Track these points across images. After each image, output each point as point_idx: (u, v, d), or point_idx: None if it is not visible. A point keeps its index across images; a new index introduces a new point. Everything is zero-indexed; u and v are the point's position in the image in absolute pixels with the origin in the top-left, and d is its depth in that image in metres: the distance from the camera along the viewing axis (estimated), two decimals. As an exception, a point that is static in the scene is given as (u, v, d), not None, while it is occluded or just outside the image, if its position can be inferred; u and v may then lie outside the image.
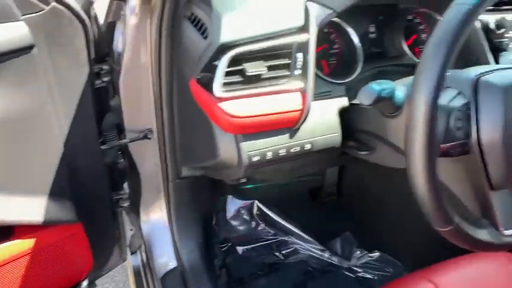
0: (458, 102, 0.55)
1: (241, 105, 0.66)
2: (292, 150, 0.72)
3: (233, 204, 1.22)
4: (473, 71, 0.57)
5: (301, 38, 0.68)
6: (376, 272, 1.18)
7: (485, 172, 0.56)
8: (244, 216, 1.23)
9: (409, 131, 0.51)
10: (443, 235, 0.56)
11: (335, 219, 1.29)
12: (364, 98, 0.60)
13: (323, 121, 0.74)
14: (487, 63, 0.85)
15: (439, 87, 0.49)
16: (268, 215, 1.24)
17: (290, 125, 0.71)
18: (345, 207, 1.35)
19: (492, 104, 0.53)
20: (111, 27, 0.97)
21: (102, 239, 1.01)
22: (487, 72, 0.56)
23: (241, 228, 1.24)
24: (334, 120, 0.75)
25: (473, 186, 0.59)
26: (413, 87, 0.51)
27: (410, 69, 0.84)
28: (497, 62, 0.86)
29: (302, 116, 0.70)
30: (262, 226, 1.24)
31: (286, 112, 0.68)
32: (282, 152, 0.72)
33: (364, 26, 0.87)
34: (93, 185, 0.89)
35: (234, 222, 1.23)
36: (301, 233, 1.24)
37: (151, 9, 0.77)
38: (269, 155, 0.71)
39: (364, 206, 1.28)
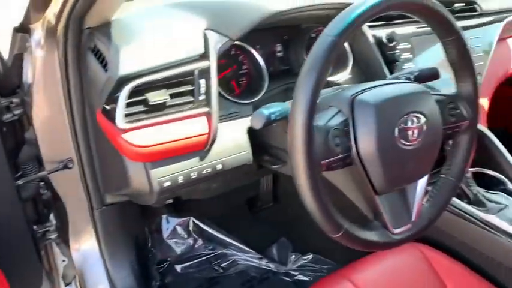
0: (338, 119, 0.60)
1: (146, 135, 0.68)
2: (204, 172, 0.75)
3: (169, 223, 1.24)
4: (351, 91, 0.63)
5: (202, 65, 0.71)
6: (312, 273, 1.23)
7: (368, 180, 0.62)
8: (181, 234, 1.25)
9: (290, 151, 0.55)
10: (337, 240, 0.61)
11: (272, 226, 1.34)
12: (254, 122, 0.65)
13: (232, 141, 0.78)
14: (384, 74, 0.93)
15: (312, 111, 0.54)
16: (205, 229, 1.26)
17: (199, 149, 0.74)
18: (280, 213, 1.40)
19: (366, 120, 0.59)
20: (18, 59, 0.95)
21: (27, 277, 0.99)
22: (362, 91, 0.62)
23: (179, 246, 1.25)
24: (243, 139, 0.79)
25: (362, 193, 0.65)
26: (291, 111, 0.55)
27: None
28: (392, 72, 0.94)
29: (210, 139, 0.73)
30: (200, 242, 1.26)
31: (193, 137, 0.71)
32: (194, 175, 0.74)
33: (271, 45, 0.93)
34: (9, 225, 0.86)
35: (171, 242, 1.24)
36: (239, 244, 1.28)
37: (57, 40, 0.78)
38: (180, 179, 0.73)
39: (295, 210, 1.34)
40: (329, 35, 0.55)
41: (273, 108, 0.64)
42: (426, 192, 0.70)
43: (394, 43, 0.95)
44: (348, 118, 0.60)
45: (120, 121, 0.66)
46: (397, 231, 0.66)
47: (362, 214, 0.68)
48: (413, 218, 0.68)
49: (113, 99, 0.67)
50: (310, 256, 1.25)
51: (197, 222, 1.25)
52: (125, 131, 0.67)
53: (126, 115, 0.67)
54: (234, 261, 1.26)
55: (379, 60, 0.93)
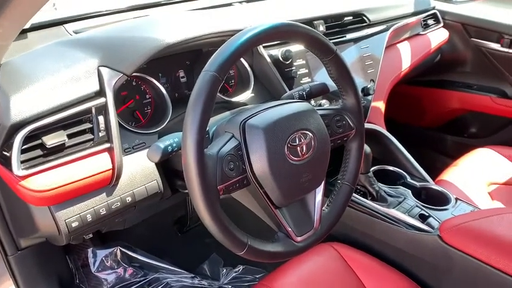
0: (232, 144, 0.64)
1: (46, 178, 0.67)
2: (113, 207, 0.76)
3: (95, 256, 1.21)
4: (242, 116, 0.67)
5: (98, 102, 0.72)
6: (245, 284, 1.27)
7: (266, 196, 0.67)
8: (110, 265, 1.22)
9: (187, 181, 0.59)
10: (243, 257, 0.65)
11: (202, 244, 1.36)
12: (151, 156, 0.67)
13: (140, 172, 0.79)
14: (284, 90, 1.00)
15: (200, 143, 0.57)
16: (134, 257, 1.25)
17: (104, 185, 0.74)
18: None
19: (256, 143, 0.64)
20: None
21: None
22: (251, 116, 0.67)
23: (109, 277, 1.22)
24: (151, 168, 0.80)
25: (263, 208, 0.69)
26: (182, 144, 0.59)
27: (220, 104, 0.95)
28: (290, 87, 1.01)
29: (114, 174, 0.74)
30: (130, 270, 1.24)
31: (97, 174, 0.72)
32: (103, 211, 0.75)
33: (174, 72, 0.95)
34: None
35: (100, 274, 1.21)
36: (170, 266, 1.28)
37: None
38: (89, 217, 0.73)
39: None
40: (209, 70, 0.59)
41: (169, 140, 0.67)
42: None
43: (289, 60, 1.02)
44: (240, 142, 0.65)
45: (17, 168, 0.65)
46: (299, 239, 0.71)
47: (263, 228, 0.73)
48: (314, 225, 0.74)
49: (7, 146, 0.66)
50: (240, 268, 1.29)
51: (125, 250, 1.23)
52: (23, 177, 0.65)
53: (23, 161, 0.65)
54: (167, 284, 1.26)
55: (277, 77, 1.00)
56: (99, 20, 1.03)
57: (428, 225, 0.96)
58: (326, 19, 1.17)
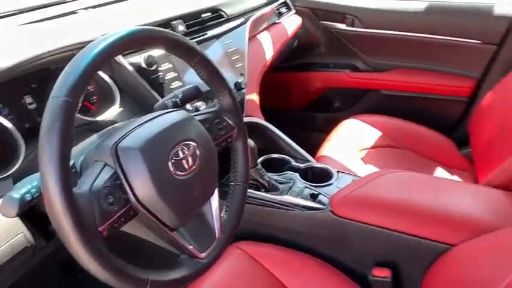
0: (106, 175, 0.56)
1: None
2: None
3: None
4: (112, 139, 0.59)
5: None
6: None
7: (159, 221, 0.61)
8: None
9: (58, 231, 0.49)
10: None
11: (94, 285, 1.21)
12: (6, 212, 0.55)
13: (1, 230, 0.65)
14: (155, 99, 0.93)
15: (65, 182, 0.48)
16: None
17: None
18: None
19: (135, 166, 0.57)
20: None
21: None
22: (122, 137, 0.59)
23: None
24: (13, 222, 0.66)
25: (159, 234, 0.63)
26: (41, 187, 0.49)
27: (83, 127, 0.83)
28: (161, 94, 0.95)
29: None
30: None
31: None
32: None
33: (17, 99, 0.80)
34: None
35: None
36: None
37: None
38: None
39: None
40: (58, 96, 0.49)
41: (26, 187, 0.55)
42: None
43: (154, 66, 0.95)
44: (116, 170, 0.57)
45: None
46: (204, 254, 0.67)
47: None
48: (217, 234, 0.71)
49: None
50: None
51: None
52: None
53: None
54: None
55: (144, 86, 0.92)
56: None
57: (320, 202, 1.01)
58: (184, 18, 1.13)
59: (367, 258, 0.95)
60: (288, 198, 1.03)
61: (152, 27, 0.64)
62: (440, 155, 1.48)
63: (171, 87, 0.98)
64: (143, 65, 0.93)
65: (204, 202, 0.69)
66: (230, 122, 0.77)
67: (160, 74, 0.96)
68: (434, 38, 1.62)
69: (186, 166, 0.63)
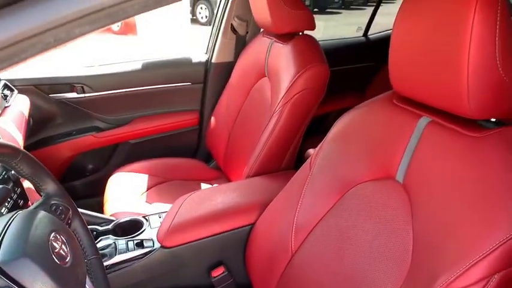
0: None
1: None
2: None
3: None
4: None
5: None
6: None
7: None
8: None
9: None
10: None
11: None
12: None
13: None
14: None
15: None
16: None
17: None
18: None
19: (30, 272, 0.57)
20: None
21: None
22: None
23: None
24: None
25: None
26: None
27: None
28: None
29: None
30: None
31: None
32: None
33: None
34: None
35: None
36: None
37: None
38: None
39: None
40: None
41: None
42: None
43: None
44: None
45: None
46: None
47: None
48: None
49: None
50: None
51: None
52: None
53: None
54: None
55: None
56: None
57: (148, 247, 1.13)
58: None
59: (203, 268, 1.16)
60: (119, 257, 1.09)
61: None
62: (198, 175, 1.85)
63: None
64: None
65: (85, 281, 0.72)
66: (64, 205, 0.81)
67: None
68: (156, 87, 1.96)
69: (64, 254, 0.66)
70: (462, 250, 0.67)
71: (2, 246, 0.59)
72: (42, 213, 0.68)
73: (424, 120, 0.83)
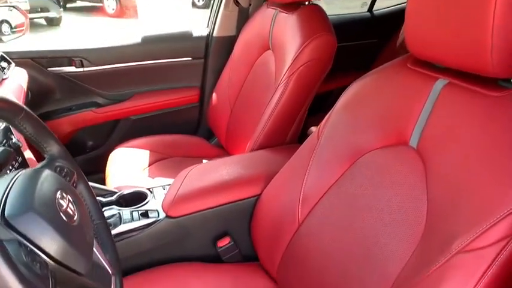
0: (14, 249, 0.52)
1: None
2: None
3: None
4: None
5: None
6: None
7: (68, 268, 0.59)
8: None
9: None
10: None
11: None
12: None
13: None
14: None
15: None
16: None
17: None
18: None
19: (38, 226, 0.55)
20: None
21: None
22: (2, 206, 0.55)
23: None
24: None
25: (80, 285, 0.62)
26: None
27: None
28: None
29: None
30: None
31: None
32: None
33: None
34: None
35: None
36: None
37: None
38: None
39: None
40: None
41: None
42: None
43: None
44: (19, 241, 0.53)
45: None
46: None
47: None
48: (110, 272, 0.73)
49: None
50: None
51: None
52: None
53: None
54: None
55: None
56: None
57: (153, 217, 1.11)
58: None
59: (209, 238, 1.14)
60: (124, 226, 1.08)
61: None
62: (199, 151, 1.82)
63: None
64: None
65: (93, 243, 0.70)
66: (69, 167, 0.78)
67: None
68: (156, 62, 1.92)
69: (71, 213, 0.64)
70: (481, 211, 0.65)
71: (8, 200, 0.56)
72: (47, 171, 0.66)
73: (440, 83, 0.81)
